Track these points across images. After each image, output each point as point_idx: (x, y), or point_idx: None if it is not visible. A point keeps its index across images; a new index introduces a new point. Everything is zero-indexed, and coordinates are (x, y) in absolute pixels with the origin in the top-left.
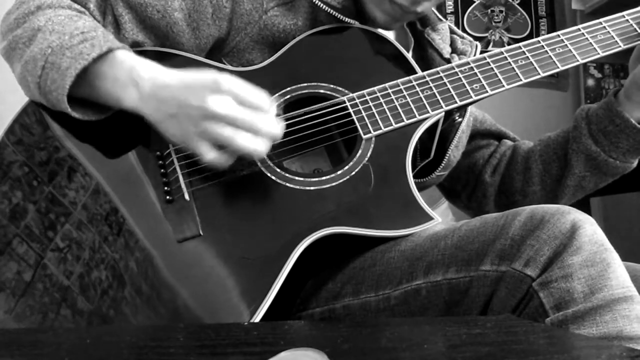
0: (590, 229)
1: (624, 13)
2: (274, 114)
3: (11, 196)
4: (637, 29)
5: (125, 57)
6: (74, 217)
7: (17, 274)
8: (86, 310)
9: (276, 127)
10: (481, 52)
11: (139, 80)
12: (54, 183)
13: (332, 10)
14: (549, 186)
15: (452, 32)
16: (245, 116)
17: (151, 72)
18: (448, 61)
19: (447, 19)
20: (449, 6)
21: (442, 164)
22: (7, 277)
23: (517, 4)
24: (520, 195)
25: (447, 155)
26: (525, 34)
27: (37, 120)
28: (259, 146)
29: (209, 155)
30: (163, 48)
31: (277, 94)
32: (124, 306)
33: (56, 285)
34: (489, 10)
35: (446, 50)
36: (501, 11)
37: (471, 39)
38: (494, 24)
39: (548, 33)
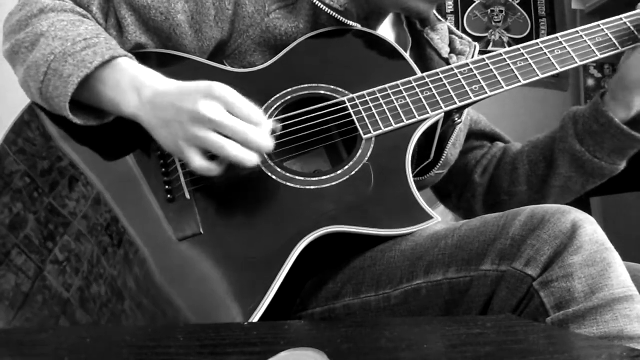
0: (590, 229)
1: (622, 16)
2: (267, 127)
3: (11, 206)
4: (635, 31)
5: (128, 65)
6: (76, 216)
7: (15, 286)
8: (87, 309)
9: (266, 140)
10: (481, 52)
11: (140, 87)
12: (55, 192)
13: (334, 13)
14: (535, 186)
15: (451, 32)
16: (236, 124)
17: (153, 80)
18: (446, 61)
19: (447, 19)
20: (449, 6)
21: (440, 162)
22: (5, 288)
23: (517, 4)
24: (506, 195)
25: (445, 153)
26: (525, 34)
27: (38, 127)
28: (247, 156)
29: (197, 162)
30: (166, 50)
31: (277, 95)
32: (124, 305)
33: (55, 291)
34: (489, 10)
35: (445, 51)
36: (501, 11)
37: (470, 39)
38: (494, 24)
39: (548, 33)
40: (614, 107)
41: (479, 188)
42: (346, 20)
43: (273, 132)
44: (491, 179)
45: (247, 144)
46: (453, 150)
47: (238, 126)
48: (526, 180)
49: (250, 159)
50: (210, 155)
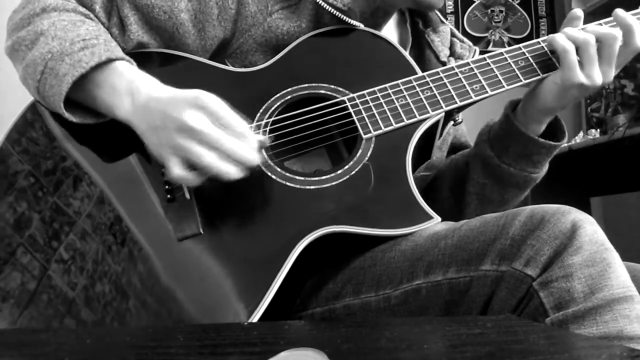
0: (590, 229)
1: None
2: (253, 140)
3: (16, 206)
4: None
5: (125, 69)
6: (80, 215)
7: (21, 285)
8: (92, 308)
9: (250, 154)
10: (481, 52)
11: (135, 92)
12: (60, 191)
13: (337, 12)
14: (456, 193)
15: (452, 35)
16: (218, 135)
17: (148, 85)
18: (444, 64)
19: (447, 19)
20: (449, 6)
21: (425, 165)
22: (11, 287)
23: (517, 4)
24: (431, 201)
25: (431, 156)
26: (525, 34)
27: (41, 126)
28: (225, 168)
29: (174, 170)
30: (168, 50)
31: (278, 95)
32: (129, 304)
33: (60, 290)
34: (489, 10)
35: (444, 53)
36: (501, 11)
37: (470, 43)
38: (494, 24)
39: (548, 33)
40: (524, 120)
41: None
42: (349, 20)
43: (261, 145)
44: (427, 185)
45: (228, 154)
46: (439, 152)
47: (220, 137)
48: (449, 186)
49: (229, 171)
50: (192, 165)
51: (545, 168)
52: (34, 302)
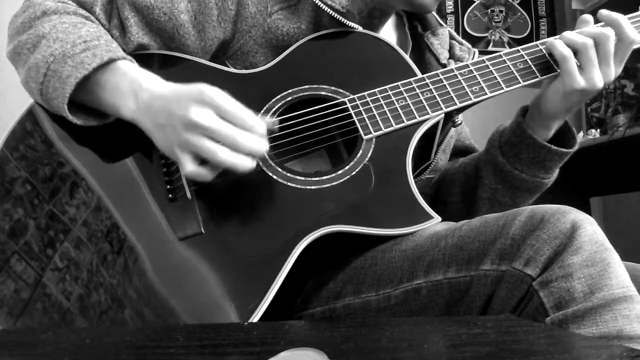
0: (590, 229)
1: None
2: (260, 130)
3: (12, 213)
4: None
5: (127, 68)
6: (76, 222)
7: (15, 293)
8: (87, 317)
9: (259, 144)
10: (481, 52)
11: (138, 90)
12: (56, 198)
13: (336, 14)
14: (467, 197)
15: (451, 37)
16: (227, 130)
17: (150, 83)
18: (444, 66)
19: (447, 19)
20: (449, 6)
21: (430, 167)
22: (5, 294)
23: (517, 4)
24: (442, 204)
25: (435, 158)
26: (525, 34)
27: (39, 133)
28: (239, 161)
29: (188, 167)
30: (168, 51)
31: (279, 96)
32: (124, 312)
33: (55, 299)
34: (489, 10)
35: (443, 56)
36: (501, 11)
37: (469, 45)
38: (494, 24)
39: (548, 33)
40: (532, 125)
41: (425, 198)
42: (347, 22)
43: (271, 132)
44: (437, 188)
45: (239, 148)
46: (443, 155)
47: (229, 131)
48: (460, 190)
49: (243, 163)
50: (204, 159)
51: (556, 173)
52: (28, 311)
